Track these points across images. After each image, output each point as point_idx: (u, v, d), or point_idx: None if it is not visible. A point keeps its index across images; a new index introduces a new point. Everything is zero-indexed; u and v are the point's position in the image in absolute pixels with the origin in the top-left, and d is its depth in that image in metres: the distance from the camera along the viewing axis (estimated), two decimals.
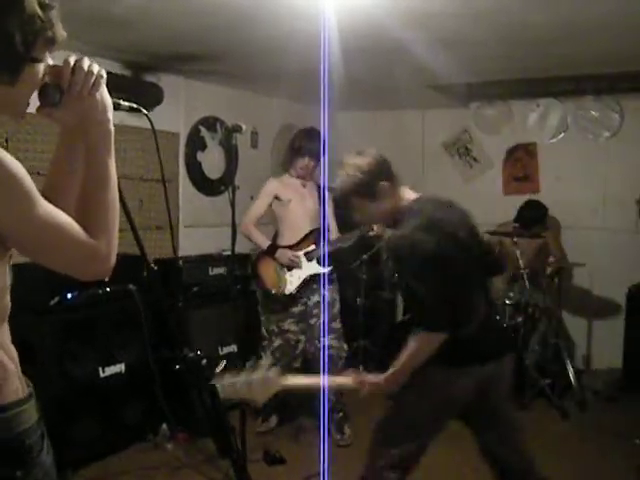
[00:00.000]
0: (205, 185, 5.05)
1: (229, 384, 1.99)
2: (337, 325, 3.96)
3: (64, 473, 3.16)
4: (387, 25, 3.11)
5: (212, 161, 5.09)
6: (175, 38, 3.65)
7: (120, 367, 3.69)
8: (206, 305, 4.17)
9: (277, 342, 3.97)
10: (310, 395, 3.63)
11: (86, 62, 1.26)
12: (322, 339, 3.82)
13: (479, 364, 2.24)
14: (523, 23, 3.23)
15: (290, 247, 3.93)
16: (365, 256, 4.76)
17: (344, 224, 3.98)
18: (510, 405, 2.54)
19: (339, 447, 3.81)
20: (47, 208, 1.18)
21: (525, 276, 4.52)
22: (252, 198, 4.10)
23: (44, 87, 1.24)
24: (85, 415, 3.47)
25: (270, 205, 4.02)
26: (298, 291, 3.90)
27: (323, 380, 2.41)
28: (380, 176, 2.28)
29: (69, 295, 3.43)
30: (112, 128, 1.30)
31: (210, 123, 5.03)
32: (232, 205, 3.11)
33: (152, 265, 1.55)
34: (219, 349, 4.18)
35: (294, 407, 4.18)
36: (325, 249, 3.87)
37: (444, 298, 2.14)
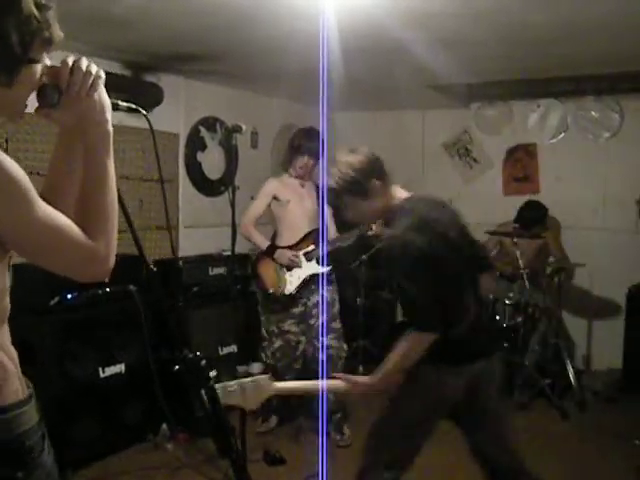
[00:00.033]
0: (205, 185, 5.05)
1: (221, 390, 1.99)
2: (337, 325, 3.96)
3: (64, 473, 3.16)
4: (387, 25, 3.11)
5: (212, 161, 5.09)
6: (175, 38, 3.65)
7: (120, 367, 3.70)
8: (206, 305, 4.17)
9: (277, 343, 3.97)
10: (309, 396, 3.63)
11: (84, 62, 1.26)
12: (321, 338, 3.82)
13: (470, 362, 2.25)
14: (523, 23, 3.23)
15: (289, 247, 3.94)
16: (364, 256, 4.76)
17: (343, 224, 3.98)
18: (501, 404, 2.54)
19: (339, 447, 3.82)
20: (46, 210, 1.17)
21: (525, 276, 4.52)
22: (252, 198, 4.10)
23: (42, 88, 1.24)
24: (85, 415, 3.48)
25: (269, 205, 4.02)
26: (298, 291, 3.90)
27: (315, 384, 2.41)
28: (372, 174, 2.27)
29: (69, 295, 3.43)
30: (111, 129, 1.29)
31: (210, 123, 5.03)
32: (232, 205, 3.11)
33: (151, 266, 1.54)
34: (219, 349, 4.18)
35: (294, 407, 4.18)
36: (325, 249, 3.87)
37: (435, 298, 2.14)
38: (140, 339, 3.61)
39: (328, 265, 3.90)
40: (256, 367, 4.43)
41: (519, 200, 5.18)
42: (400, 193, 2.35)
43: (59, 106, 1.25)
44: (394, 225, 2.24)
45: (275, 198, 4.00)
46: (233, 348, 4.22)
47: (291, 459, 3.68)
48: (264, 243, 3.97)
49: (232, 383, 2.01)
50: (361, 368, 4.73)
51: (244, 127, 3.18)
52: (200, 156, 5.00)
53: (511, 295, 4.75)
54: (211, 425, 1.53)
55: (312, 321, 3.94)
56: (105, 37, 3.62)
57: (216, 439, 1.56)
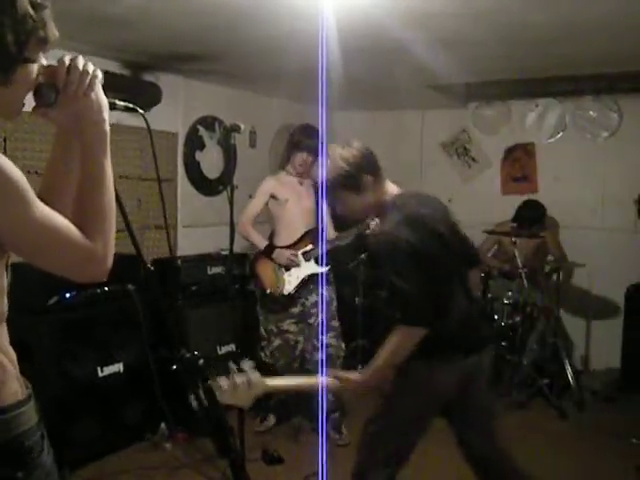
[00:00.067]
0: (204, 185, 5.04)
1: (214, 388, 1.98)
2: (335, 324, 3.95)
3: (62, 473, 3.16)
4: (386, 25, 3.11)
5: (211, 161, 5.08)
6: (175, 38, 3.64)
7: (119, 367, 3.69)
8: (204, 304, 4.17)
9: (276, 342, 3.97)
10: (308, 394, 3.63)
11: (81, 62, 1.25)
12: (321, 337, 3.82)
13: (461, 358, 2.25)
14: (523, 23, 3.23)
15: (287, 247, 3.93)
16: (363, 255, 4.76)
17: (341, 224, 3.97)
18: (491, 400, 2.54)
19: (337, 446, 3.82)
20: (43, 211, 1.17)
21: (523, 275, 4.53)
22: (250, 197, 4.10)
23: (39, 87, 1.24)
24: (84, 415, 3.47)
25: (266, 204, 4.01)
26: (296, 291, 3.90)
27: (306, 381, 2.40)
28: (365, 169, 2.27)
29: (67, 295, 3.43)
30: (108, 128, 1.29)
31: (209, 123, 5.03)
32: (230, 205, 3.10)
33: (148, 265, 1.54)
34: (217, 348, 4.18)
35: (292, 406, 4.18)
36: (323, 248, 3.86)
37: (425, 293, 2.14)
38: (138, 338, 3.61)
39: (326, 265, 3.89)
40: (247, 364, 4.41)
41: (517, 199, 5.18)
42: (392, 189, 2.35)
43: (56, 105, 1.25)
44: (385, 220, 2.24)
45: (273, 197, 3.99)
46: (231, 347, 4.22)
47: (289, 458, 3.68)
48: (262, 242, 3.97)
49: (223, 381, 2.00)
50: (360, 367, 4.72)
51: (242, 126, 3.17)
52: (199, 155, 4.99)
53: (509, 294, 4.76)
54: (210, 424, 1.53)
55: (311, 320, 3.94)
56: (105, 37, 3.61)
57: (215, 438, 1.55)
